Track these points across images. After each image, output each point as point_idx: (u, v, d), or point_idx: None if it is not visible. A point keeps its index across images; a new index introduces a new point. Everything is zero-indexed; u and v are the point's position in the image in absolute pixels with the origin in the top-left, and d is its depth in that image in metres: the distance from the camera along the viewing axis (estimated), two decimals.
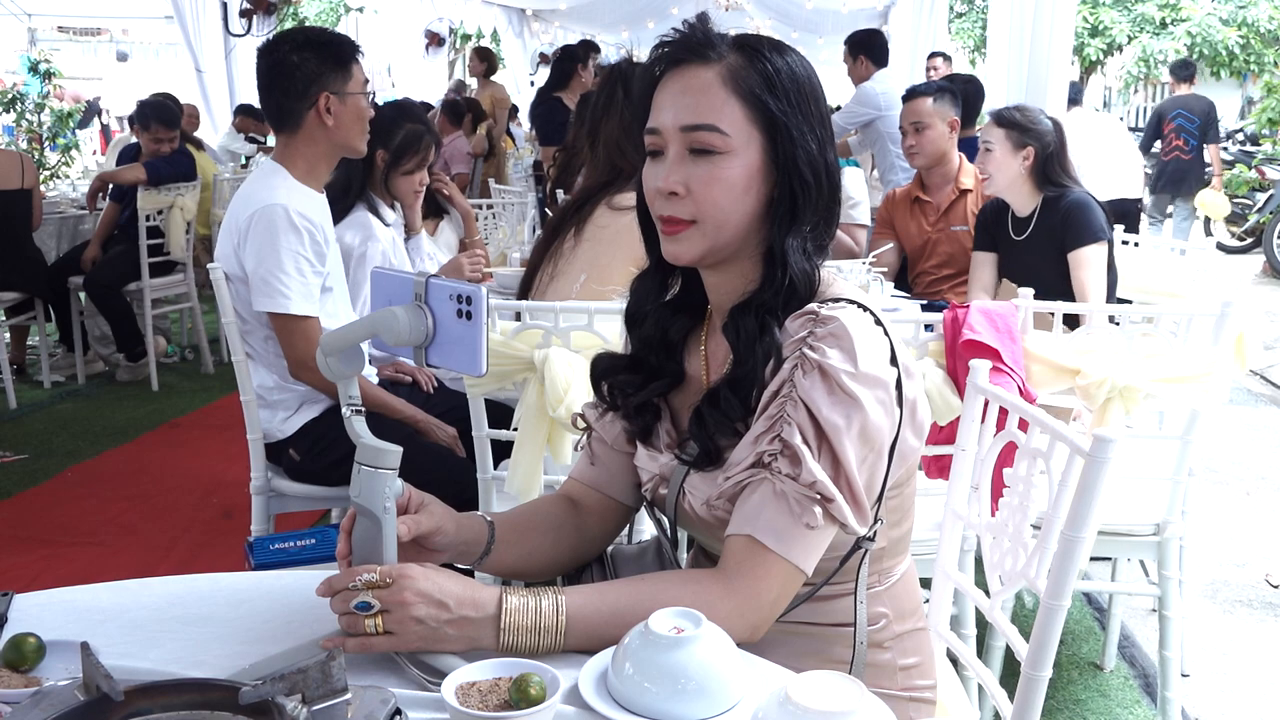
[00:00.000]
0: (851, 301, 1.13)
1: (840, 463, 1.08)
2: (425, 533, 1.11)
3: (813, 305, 1.13)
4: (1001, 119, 2.97)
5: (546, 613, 1.03)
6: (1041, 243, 2.96)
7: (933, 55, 7.34)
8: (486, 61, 8.89)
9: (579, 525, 1.30)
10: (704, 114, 1.12)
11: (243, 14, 7.91)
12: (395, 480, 1.05)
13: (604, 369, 1.30)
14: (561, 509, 1.31)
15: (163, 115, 5.13)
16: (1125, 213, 5.99)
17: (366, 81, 2.39)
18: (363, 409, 1.07)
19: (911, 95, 3.57)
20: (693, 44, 1.14)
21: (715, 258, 1.17)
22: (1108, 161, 6.43)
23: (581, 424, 1.36)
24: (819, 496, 1.07)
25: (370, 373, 2.58)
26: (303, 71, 2.27)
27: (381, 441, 1.04)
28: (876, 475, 1.12)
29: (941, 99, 3.51)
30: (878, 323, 1.13)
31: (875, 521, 1.15)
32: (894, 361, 1.13)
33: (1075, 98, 6.86)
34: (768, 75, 1.13)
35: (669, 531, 1.30)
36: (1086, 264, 2.89)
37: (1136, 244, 3.40)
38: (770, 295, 1.14)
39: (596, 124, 2.45)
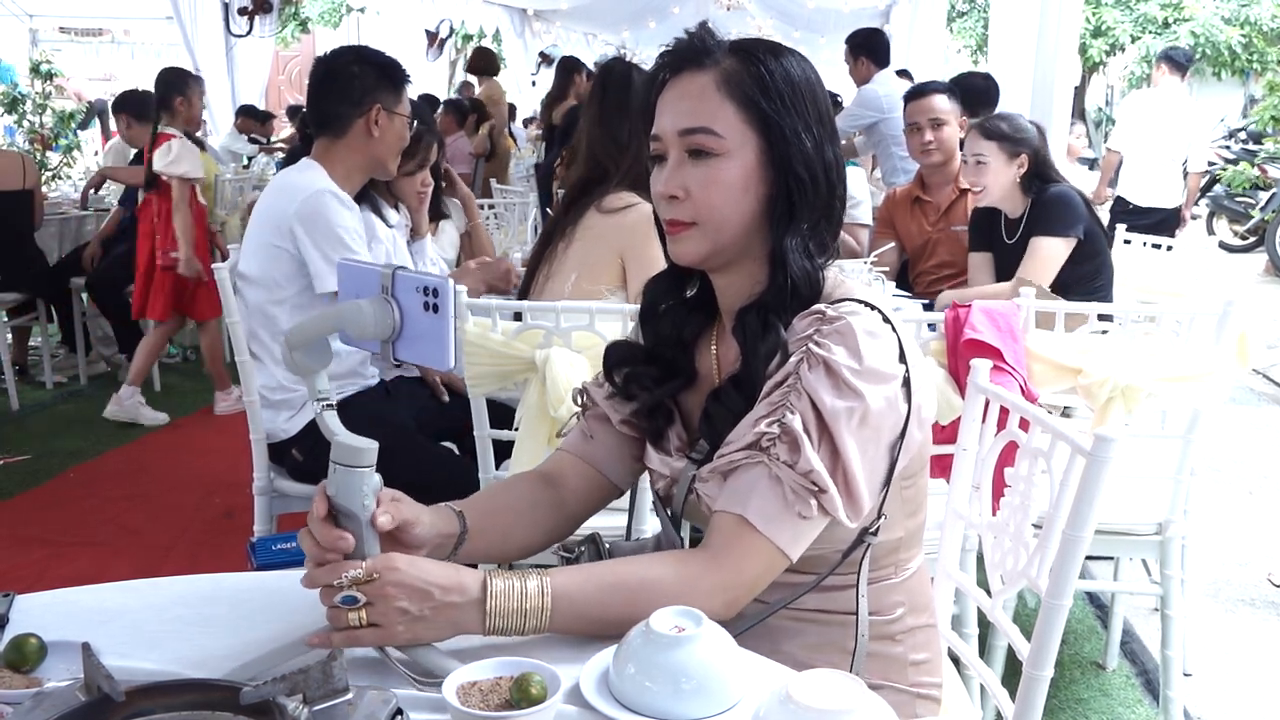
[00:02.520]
0: (860, 301, 1.14)
1: (839, 455, 1.08)
2: (407, 521, 1.08)
3: (820, 305, 1.14)
4: (990, 132, 2.91)
5: (532, 594, 1.03)
6: None
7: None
8: (486, 61, 8.89)
9: (556, 502, 1.29)
10: (700, 117, 1.15)
11: (243, 12, 7.90)
12: (373, 476, 1.02)
13: (618, 358, 1.31)
14: (535, 487, 1.30)
15: (132, 107, 5.10)
16: (1164, 221, 5.74)
17: (412, 108, 2.50)
18: (333, 403, 1.05)
19: (924, 92, 3.50)
20: (690, 51, 1.18)
21: (719, 259, 1.19)
22: (1163, 157, 5.96)
23: (581, 400, 1.35)
24: (814, 487, 1.07)
25: (371, 373, 2.58)
26: (361, 81, 2.37)
27: (357, 438, 1.01)
28: (878, 471, 1.13)
29: (953, 97, 3.48)
30: (886, 320, 1.14)
31: (879, 517, 1.16)
32: (902, 358, 1.13)
33: (1182, 61, 6.07)
34: (761, 78, 1.15)
35: (677, 529, 1.30)
36: (1041, 254, 2.85)
37: (1169, 248, 3.28)
38: (774, 296, 1.16)
39: (587, 122, 2.47)
